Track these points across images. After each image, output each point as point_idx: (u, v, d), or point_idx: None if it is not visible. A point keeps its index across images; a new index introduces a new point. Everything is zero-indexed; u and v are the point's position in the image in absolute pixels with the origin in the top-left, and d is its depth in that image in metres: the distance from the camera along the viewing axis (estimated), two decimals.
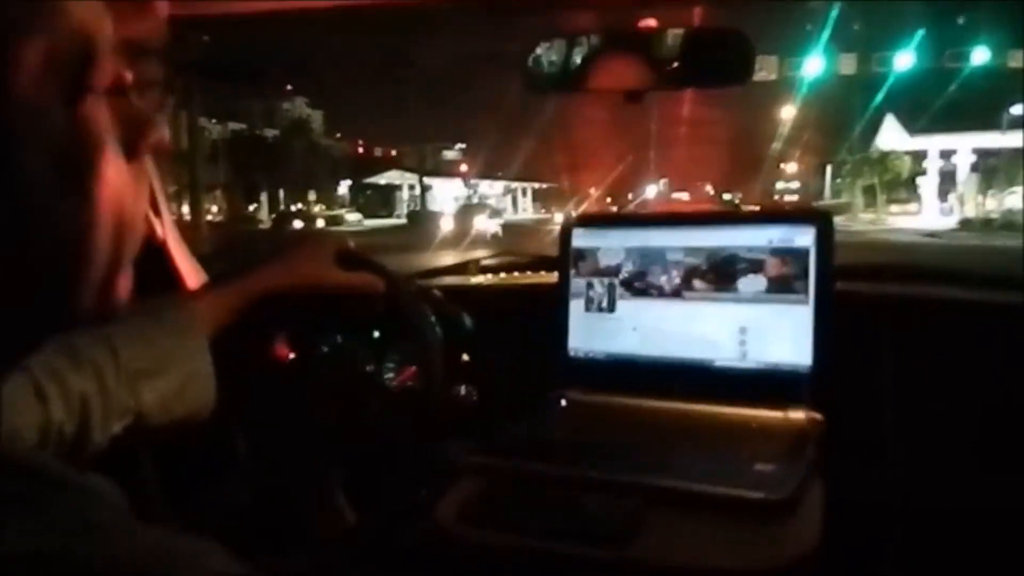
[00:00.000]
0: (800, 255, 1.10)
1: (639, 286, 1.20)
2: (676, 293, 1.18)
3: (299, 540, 1.08)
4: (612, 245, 1.22)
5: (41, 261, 0.39)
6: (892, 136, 35.48)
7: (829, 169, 44.57)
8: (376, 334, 1.09)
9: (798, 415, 1.06)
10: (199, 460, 1.02)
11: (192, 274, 1.33)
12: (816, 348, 1.08)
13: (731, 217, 1.20)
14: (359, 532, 1.07)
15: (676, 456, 0.98)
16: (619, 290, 1.21)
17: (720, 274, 1.14)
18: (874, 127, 37.40)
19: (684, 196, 45.19)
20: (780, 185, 51.97)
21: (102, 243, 0.41)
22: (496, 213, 31.77)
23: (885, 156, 35.29)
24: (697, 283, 1.16)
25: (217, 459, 1.02)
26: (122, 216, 0.42)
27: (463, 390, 1.23)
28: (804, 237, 1.10)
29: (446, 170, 52.03)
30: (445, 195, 50.32)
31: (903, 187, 36.77)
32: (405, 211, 46.13)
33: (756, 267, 1.12)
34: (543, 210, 58.60)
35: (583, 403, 1.19)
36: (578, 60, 1.13)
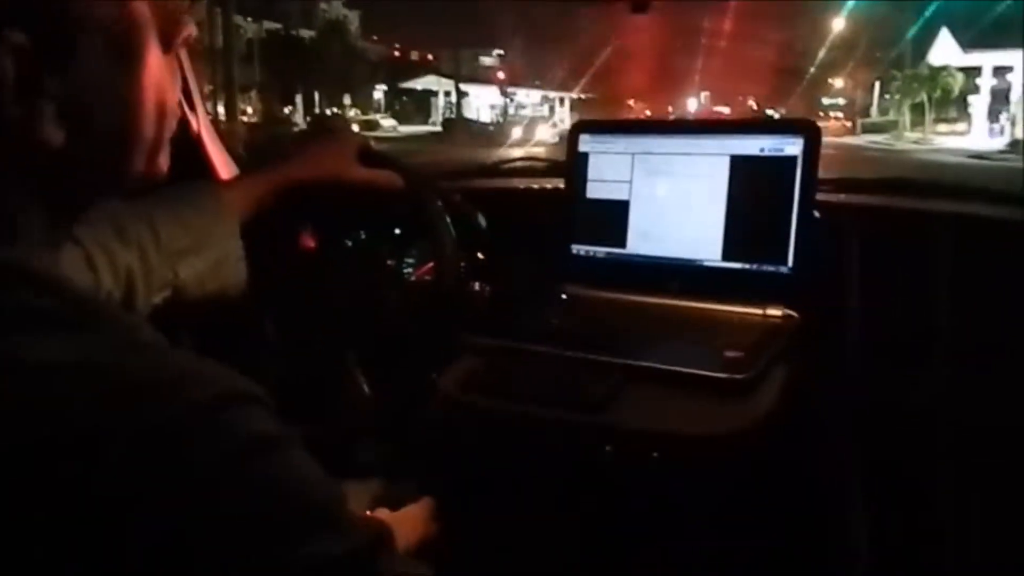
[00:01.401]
0: (788, 163, 1.17)
1: (638, 190, 1.28)
2: (672, 197, 1.26)
3: (320, 411, 1.20)
4: (615, 150, 1.29)
5: (100, 132, 0.49)
6: (945, 51, 34.02)
7: (878, 86, 43.09)
8: (397, 231, 1.16)
9: (776, 312, 1.15)
10: (232, 335, 1.14)
11: (224, 166, 1.43)
12: (797, 251, 1.16)
13: (727, 126, 1.26)
14: (374, 405, 1.19)
15: (657, 342, 1.08)
16: (620, 193, 1.29)
17: (714, 179, 1.22)
18: (927, 42, 35.86)
19: (726, 110, 44.17)
20: (826, 101, 50.43)
21: (147, 120, 0.51)
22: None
23: (936, 72, 33.95)
24: (692, 187, 1.24)
25: (247, 335, 1.11)
26: (163, 100, 0.52)
27: (477, 286, 1.33)
28: (793, 146, 1.17)
29: (483, 76, 51.06)
30: (481, 102, 49.62)
31: (953, 106, 35.47)
32: (441, 118, 45.75)
33: (748, 173, 1.20)
34: None
35: (582, 297, 1.29)
36: None
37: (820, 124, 1.24)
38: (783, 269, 1.17)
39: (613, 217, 1.29)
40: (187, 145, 1.35)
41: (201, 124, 1.42)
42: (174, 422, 0.40)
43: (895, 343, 1.17)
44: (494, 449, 1.04)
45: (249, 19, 32.87)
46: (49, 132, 0.45)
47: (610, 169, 1.30)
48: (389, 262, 1.17)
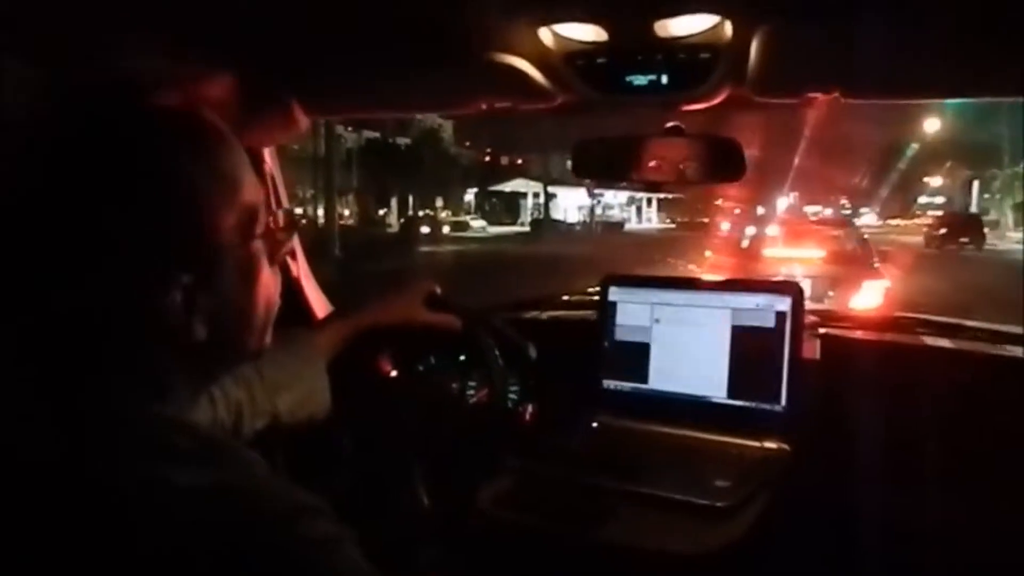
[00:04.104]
0: (779, 317, 1.38)
1: (657, 335, 1.50)
2: (685, 341, 1.47)
3: (387, 515, 1.40)
4: (638, 300, 1.53)
5: (229, 326, 0.72)
6: None
7: (976, 184, 42.04)
8: (462, 358, 1.37)
9: (770, 445, 1.33)
10: (316, 452, 1.36)
11: (318, 302, 1.71)
12: (789, 392, 1.35)
13: (729, 284, 1.48)
14: (432, 512, 1.38)
15: (660, 469, 1.28)
16: (642, 336, 1.52)
17: (719, 329, 1.44)
18: None
19: (815, 210, 43.75)
20: (923, 200, 49.37)
21: (260, 314, 0.75)
22: None
23: None
24: (701, 334, 1.46)
25: (329, 452, 1.32)
26: (270, 297, 0.77)
27: (531, 408, 1.44)
28: (782, 304, 1.38)
29: (571, 179, 52.20)
30: (569, 203, 50.59)
31: None
32: (529, 219, 46.85)
33: (746, 324, 1.41)
34: (667, 220, 57.94)
35: (609, 425, 1.49)
36: (611, 156, 1.45)
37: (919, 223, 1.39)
38: (777, 407, 1.36)
39: (637, 357, 1.51)
40: (288, 288, 1.63)
41: (301, 269, 1.73)
42: (271, 525, 0.60)
43: (878, 471, 1.33)
44: (519, 556, 1.24)
45: (350, 128, 34.86)
46: (198, 331, 0.67)
47: (634, 316, 1.53)
48: (454, 386, 1.37)
